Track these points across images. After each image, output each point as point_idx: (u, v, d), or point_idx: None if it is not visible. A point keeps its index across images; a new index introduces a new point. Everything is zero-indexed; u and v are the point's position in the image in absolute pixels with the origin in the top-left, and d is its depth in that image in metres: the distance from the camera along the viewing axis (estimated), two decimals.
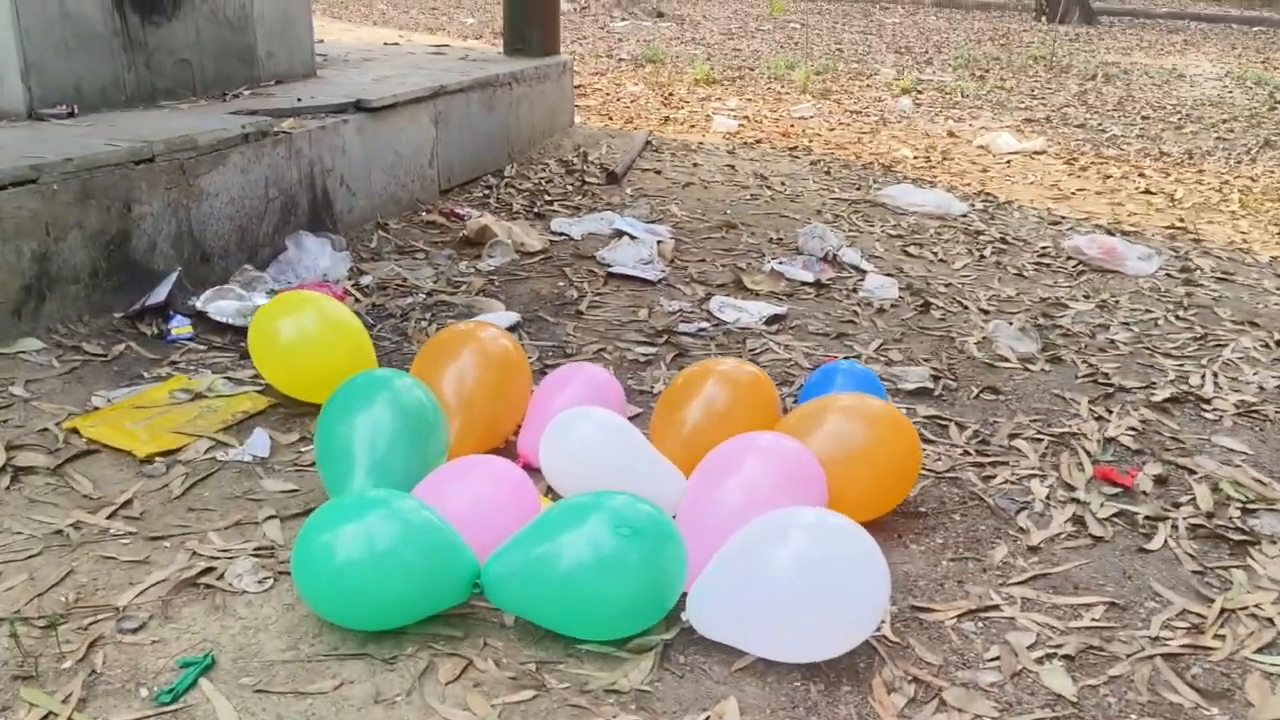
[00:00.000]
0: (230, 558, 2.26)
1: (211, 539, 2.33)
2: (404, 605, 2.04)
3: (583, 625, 2.07)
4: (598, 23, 13.51)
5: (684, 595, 2.13)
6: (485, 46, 7.56)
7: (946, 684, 2.05)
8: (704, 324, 3.77)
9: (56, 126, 3.64)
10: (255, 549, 2.30)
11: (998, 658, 2.14)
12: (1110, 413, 3.25)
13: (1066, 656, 2.15)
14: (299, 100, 4.37)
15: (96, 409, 2.79)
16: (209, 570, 2.22)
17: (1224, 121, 8.41)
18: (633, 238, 4.52)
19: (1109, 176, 6.47)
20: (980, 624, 2.25)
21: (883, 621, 2.22)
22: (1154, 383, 3.48)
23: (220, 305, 3.43)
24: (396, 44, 6.89)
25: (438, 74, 5.31)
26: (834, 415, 2.57)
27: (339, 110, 4.36)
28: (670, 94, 8.44)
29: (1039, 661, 2.13)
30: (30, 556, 2.22)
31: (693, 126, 7.32)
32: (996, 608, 2.30)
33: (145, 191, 3.36)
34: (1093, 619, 2.28)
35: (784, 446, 2.36)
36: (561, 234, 4.69)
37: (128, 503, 2.44)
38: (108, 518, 2.37)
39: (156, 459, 2.61)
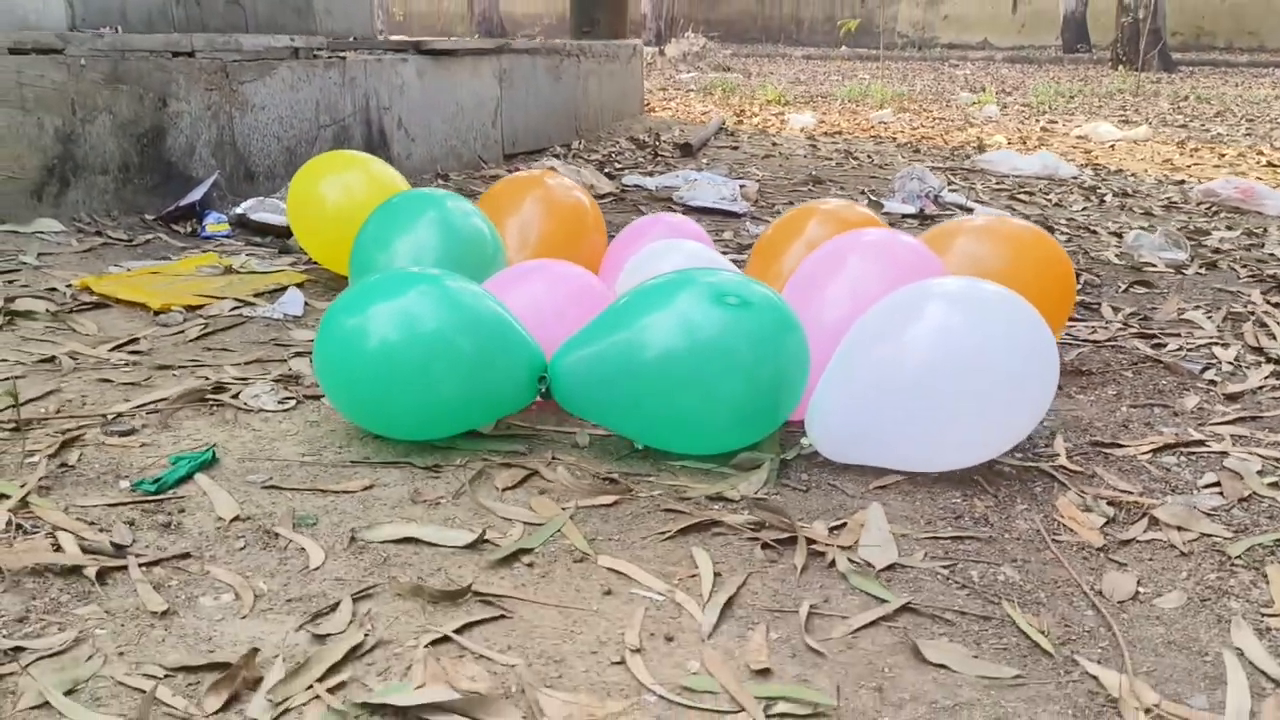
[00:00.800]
0: (247, 382, 1.87)
1: (227, 370, 1.94)
2: (453, 404, 1.60)
3: (676, 434, 1.62)
4: (664, 74, 13.42)
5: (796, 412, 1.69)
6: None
7: (1156, 502, 1.55)
8: None
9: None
10: (277, 376, 1.91)
11: (1217, 483, 1.64)
12: None
13: None
14: (354, 39, 4.12)
15: (111, 274, 2.45)
16: (220, 390, 1.82)
17: None
18: (712, 183, 4.14)
19: (1224, 154, 5.96)
20: (1185, 458, 1.75)
21: (1057, 454, 1.74)
22: None
23: (263, 214, 3.10)
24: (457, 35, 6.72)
25: (500, 42, 5.07)
26: (965, 237, 2.11)
27: (398, 49, 4.10)
28: (742, 110, 8.15)
29: (1273, 486, 1.63)
30: (9, 377, 1.84)
31: (768, 126, 6.99)
32: (1201, 443, 1.80)
33: (183, 87, 3.08)
34: None
35: (896, 241, 1.90)
36: (634, 185, 4.33)
37: (134, 340, 2.06)
38: (109, 350, 2.00)
39: (173, 309, 2.24)
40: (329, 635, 1.13)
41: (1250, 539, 1.46)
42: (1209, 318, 2.53)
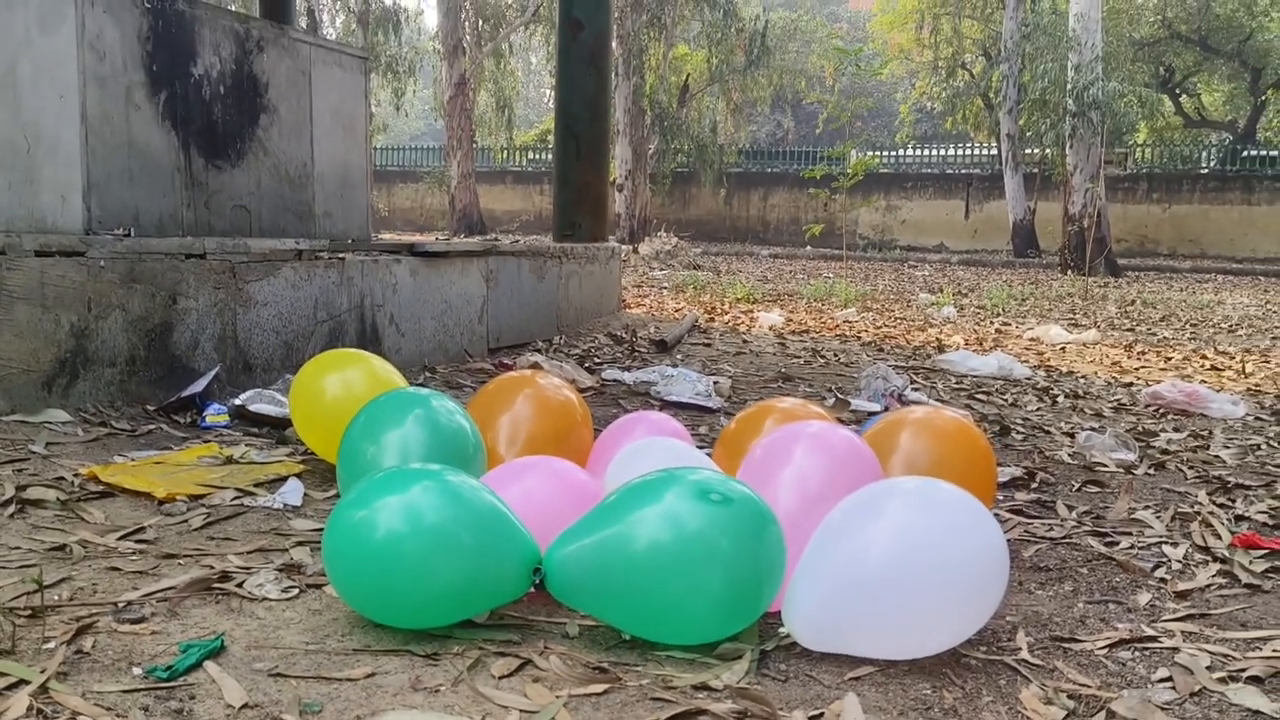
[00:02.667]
0: (251, 571, 1.95)
1: (230, 559, 2.02)
2: (452, 595, 1.71)
3: (663, 624, 1.72)
4: (637, 271, 13.98)
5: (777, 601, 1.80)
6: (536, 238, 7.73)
7: (1114, 695, 1.66)
8: None
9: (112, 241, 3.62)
10: (280, 565, 2.00)
11: (1169, 678, 1.75)
12: (1234, 501, 2.91)
13: (1255, 678, 1.76)
14: (351, 240, 4.37)
15: (117, 464, 2.56)
16: (226, 578, 1.91)
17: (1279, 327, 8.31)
18: (688, 379, 4.34)
19: (1170, 358, 6.29)
20: (1139, 653, 1.87)
21: (1019, 648, 1.85)
22: (1275, 480, 3.15)
23: (260, 405, 3.24)
24: (448, 239, 7.07)
25: (489, 244, 5.37)
26: (905, 432, 2.31)
27: (393, 251, 4.35)
28: (713, 308, 8.51)
29: (1221, 682, 1.74)
30: (25, 566, 1.92)
31: (738, 324, 7.30)
32: (1154, 639, 1.92)
33: (193, 286, 3.28)
34: (1275, 649, 1.88)
35: (835, 434, 2.09)
36: (613, 380, 4.53)
37: (140, 529, 2.15)
38: (118, 539, 2.08)
39: (178, 499, 2.34)
40: None
41: None
42: (1158, 517, 2.68)
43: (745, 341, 6.04)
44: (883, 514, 1.79)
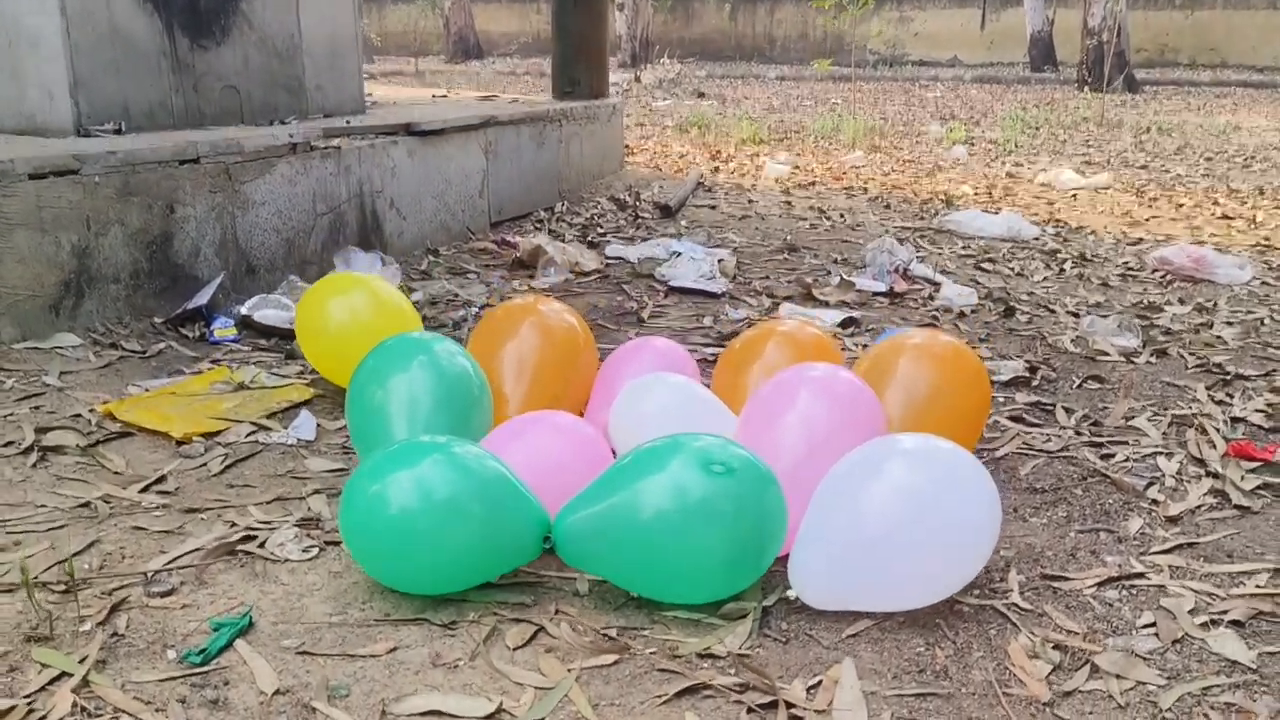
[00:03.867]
0: (272, 528, 2.03)
1: (251, 511, 2.10)
2: (466, 563, 1.78)
3: (669, 585, 1.80)
4: (640, 102, 13.61)
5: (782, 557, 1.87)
6: (535, 96, 7.53)
7: (1097, 649, 1.74)
8: None
9: (105, 139, 3.54)
10: (299, 520, 2.07)
11: (1153, 624, 1.84)
12: (1231, 397, 2.95)
13: (1235, 622, 1.84)
14: (348, 122, 4.27)
15: (132, 396, 2.60)
16: (249, 539, 1.98)
17: None
18: (692, 258, 4.32)
19: (1181, 205, 6.21)
20: (1126, 592, 1.95)
21: (1010, 589, 1.93)
22: (1274, 370, 3.18)
23: (266, 313, 3.25)
24: (445, 95, 6.88)
25: (487, 110, 5.23)
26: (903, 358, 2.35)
27: (389, 133, 4.26)
28: (718, 152, 8.35)
29: (1203, 627, 1.82)
30: (53, 528, 2.00)
31: (744, 175, 7.18)
32: (1141, 575, 2.00)
33: (189, 193, 3.23)
34: (1257, 585, 1.96)
35: (837, 378, 2.12)
36: (617, 258, 4.51)
37: (161, 479, 2.22)
38: (140, 491, 2.15)
39: (195, 439, 2.40)
40: None
41: (1180, 686, 1.65)
42: (1154, 423, 2.73)
43: (750, 202, 5.96)
44: (881, 475, 1.84)
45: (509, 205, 5.09)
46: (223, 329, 3.08)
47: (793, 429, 2.05)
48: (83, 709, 1.48)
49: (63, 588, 1.78)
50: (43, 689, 1.53)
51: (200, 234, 3.29)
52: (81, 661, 1.58)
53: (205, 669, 1.59)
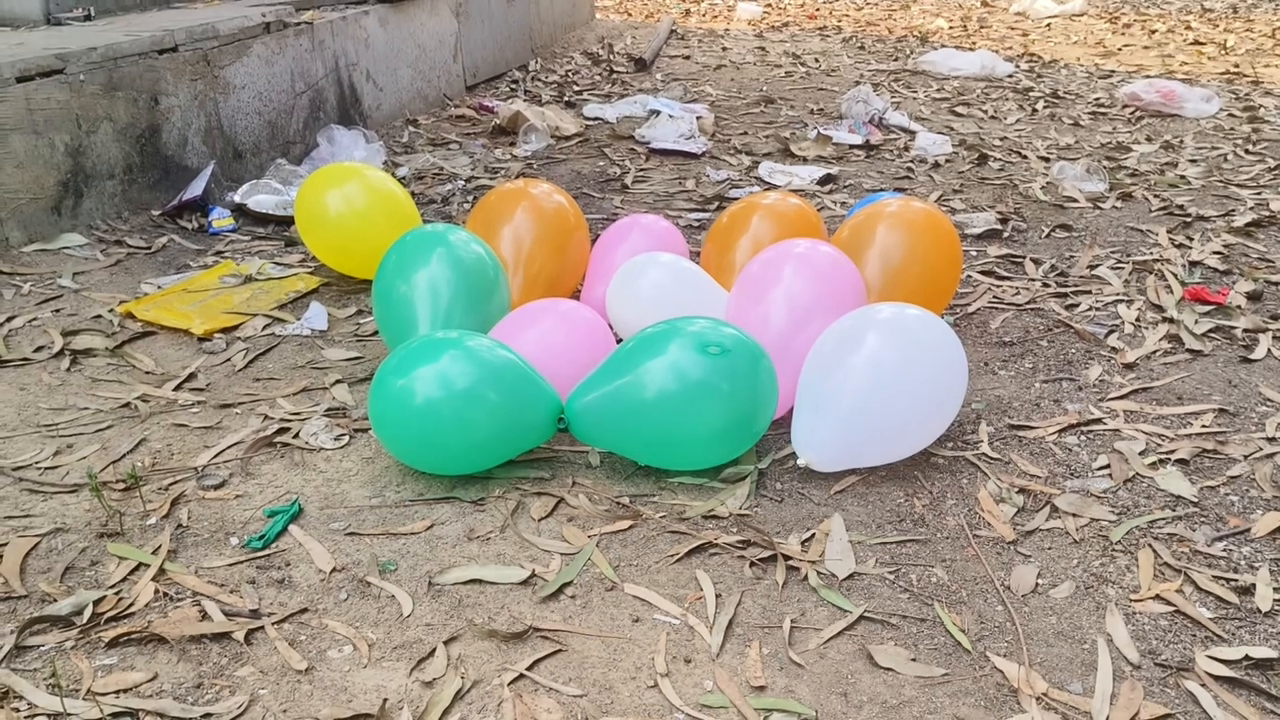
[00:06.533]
0: (302, 419, 2.19)
1: (281, 404, 2.26)
2: (488, 446, 1.96)
3: (674, 455, 1.99)
4: None
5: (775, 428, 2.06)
6: None
7: (1056, 491, 1.96)
8: (754, 188, 3.64)
9: (76, 28, 3.52)
10: (326, 410, 2.23)
11: (1107, 466, 2.05)
12: (1191, 240, 3.11)
13: (1181, 461, 2.05)
14: None
15: (147, 295, 2.72)
16: (283, 430, 2.15)
17: None
18: (670, 116, 4.37)
19: (1154, 31, 6.21)
20: (1084, 437, 2.15)
21: (980, 440, 2.13)
22: (1232, 210, 3.33)
23: (259, 199, 3.33)
24: None
25: None
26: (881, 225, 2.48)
27: (359, 1, 4.21)
28: None
29: (1152, 467, 2.04)
30: (100, 429, 2.15)
31: (715, 17, 7.08)
32: (1099, 421, 2.20)
33: (171, 83, 3.25)
34: (1203, 425, 2.17)
35: (819, 253, 2.27)
36: (596, 118, 4.55)
37: (192, 375, 2.37)
38: (174, 389, 2.30)
39: (215, 336, 2.53)
40: (434, 680, 1.51)
41: (1129, 522, 1.87)
42: (1117, 272, 2.90)
43: (725, 49, 5.93)
44: (864, 346, 1.99)
45: (483, 67, 5.07)
46: (220, 219, 3.16)
47: (779, 303, 2.20)
48: (165, 595, 1.68)
49: (123, 486, 1.95)
50: (125, 579, 1.71)
51: (186, 123, 3.32)
52: (155, 553, 1.77)
53: (266, 553, 1.78)
